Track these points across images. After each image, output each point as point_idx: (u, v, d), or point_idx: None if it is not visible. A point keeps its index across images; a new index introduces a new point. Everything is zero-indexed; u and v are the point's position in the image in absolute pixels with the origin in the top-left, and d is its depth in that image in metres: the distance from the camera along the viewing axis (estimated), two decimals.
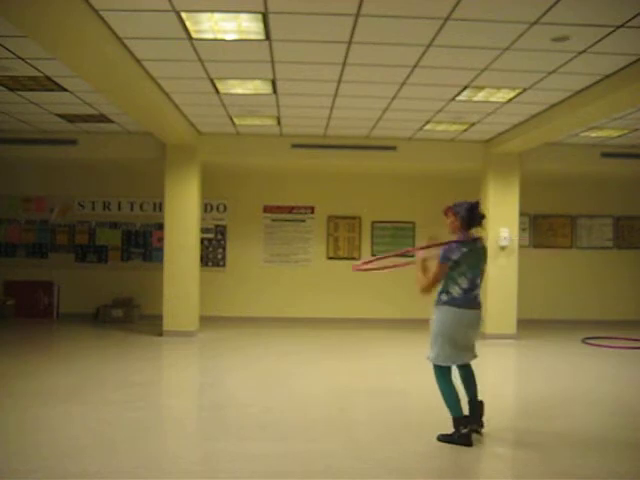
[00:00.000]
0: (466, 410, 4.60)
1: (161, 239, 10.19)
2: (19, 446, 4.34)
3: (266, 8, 4.70)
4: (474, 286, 4.49)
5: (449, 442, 4.50)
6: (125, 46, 5.59)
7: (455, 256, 4.40)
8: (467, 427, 4.48)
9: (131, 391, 6.03)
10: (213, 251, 11.50)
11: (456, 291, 4.44)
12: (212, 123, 8.97)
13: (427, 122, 8.55)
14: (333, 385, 6.51)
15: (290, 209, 11.55)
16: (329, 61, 5.97)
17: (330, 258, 11.59)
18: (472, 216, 4.50)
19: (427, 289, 4.43)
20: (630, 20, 4.74)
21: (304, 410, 5.50)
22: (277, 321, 11.05)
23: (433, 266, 4.44)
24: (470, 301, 4.47)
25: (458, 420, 4.50)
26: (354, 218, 11.63)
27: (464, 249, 4.42)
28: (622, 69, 5.98)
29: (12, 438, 4.54)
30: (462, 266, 4.41)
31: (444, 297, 4.47)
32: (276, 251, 11.54)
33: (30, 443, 4.40)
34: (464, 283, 4.44)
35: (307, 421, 5.12)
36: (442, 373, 4.54)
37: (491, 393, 6.60)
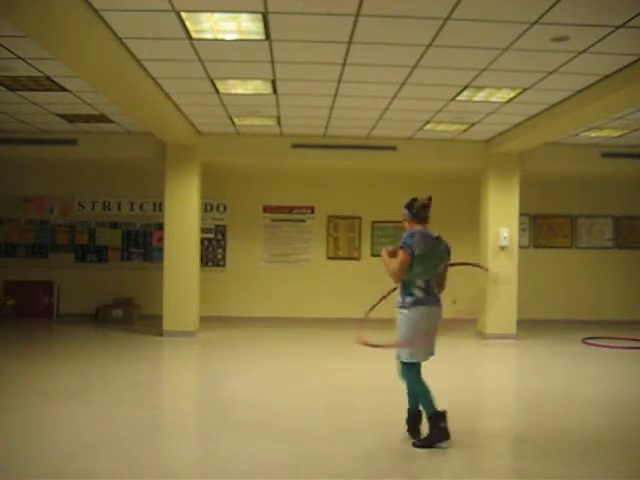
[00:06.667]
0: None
1: (161, 239, 10.19)
2: (22, 446, 4.35)
3: (266, 8, 4.70)
4: (431, 284, 4.56)
5: (429, 445, 4.43)
6: (125, 46, 5.59)
7: (418, 250, 4.41)
8: (445, 420, 4.46)
9: (132, 391, 6.04)
10: (213, 251, 11.50)
11: (418, 291, 4.51)
12: (212, 123, 8.97)
13: (427, 122, 8.55)
14: (333, 384, 6.51)
15: (290, 209, 11.55)
16: (329, 61, 5.97)
17: (330, 258, 11.59)
18: (412, 208, 4.70)
19: (396, 275, 4.46)
20: (630, 20, 4.74)
21: (305, 410, 5.51)
22: (277, 321, 11.04)
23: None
24: (433, 298, 4.54)
25: (437, 416, 4.47)
26: (354, 218, 11.63)
27: (426, 244, 4.46)
28: (622, 69, 5.98)
29: (15, 438, 4.55)
30: (422, 264, 4.44)
31: (409, 299, 4.52)
32: (276, 251, 11.54)
33: (33, 443, 4.41)
34: (422, 283, 4.51)
35: (308, 421, 5.13)
36: (414, 371, 4.55)
37: (491, 393, 6.61)
